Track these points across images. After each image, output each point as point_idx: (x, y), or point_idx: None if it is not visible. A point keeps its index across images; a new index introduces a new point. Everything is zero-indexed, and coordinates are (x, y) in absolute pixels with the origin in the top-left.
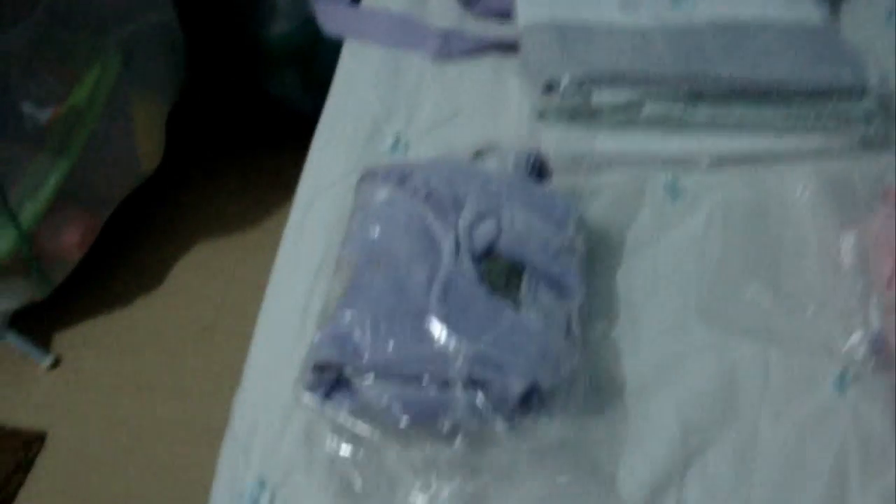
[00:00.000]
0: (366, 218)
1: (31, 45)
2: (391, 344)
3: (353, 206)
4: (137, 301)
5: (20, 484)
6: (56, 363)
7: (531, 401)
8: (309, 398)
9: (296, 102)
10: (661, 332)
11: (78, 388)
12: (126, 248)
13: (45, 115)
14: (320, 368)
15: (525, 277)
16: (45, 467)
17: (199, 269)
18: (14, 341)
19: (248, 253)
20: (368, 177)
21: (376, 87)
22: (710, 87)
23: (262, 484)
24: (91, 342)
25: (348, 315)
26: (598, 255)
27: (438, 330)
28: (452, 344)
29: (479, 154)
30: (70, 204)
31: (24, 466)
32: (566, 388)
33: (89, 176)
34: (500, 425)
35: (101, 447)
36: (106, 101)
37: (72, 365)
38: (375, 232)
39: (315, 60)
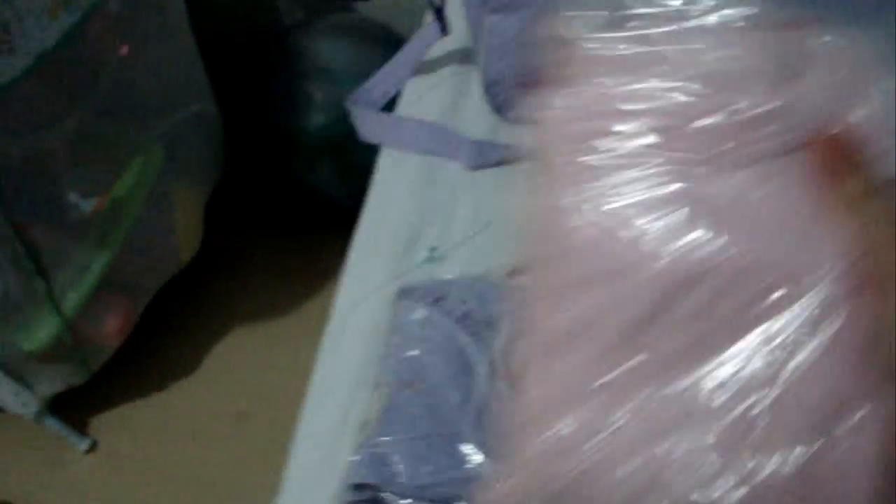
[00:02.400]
0: (402, 338)
1: (77, 138)
2: (427, 467)
3: (390, 324)
4: (173, 386)
5: None
6: (93, 447)
7: None
8: None
9: (331, 191)
10: None
11: (113, 472)
12: (162, 334)
13: (89, 205)
14: (357, 488)
15: None
16: None
17: (233, 356)
18: (53, 425)
19: (283, 340)
20: (405, 294)
21: (412, 197)
22: None
23: None
24: (127, 427)
25: (384, 436)
26: None
27: (473, 454)
28: (487, 468)
29: (513, 272)
30: (111, 292)
31: None
32: None
33: (130, 265)
34: None
35: None
36: (148, 191)
37: (107, 449)
38: (411, 353)
39: (350, 151)
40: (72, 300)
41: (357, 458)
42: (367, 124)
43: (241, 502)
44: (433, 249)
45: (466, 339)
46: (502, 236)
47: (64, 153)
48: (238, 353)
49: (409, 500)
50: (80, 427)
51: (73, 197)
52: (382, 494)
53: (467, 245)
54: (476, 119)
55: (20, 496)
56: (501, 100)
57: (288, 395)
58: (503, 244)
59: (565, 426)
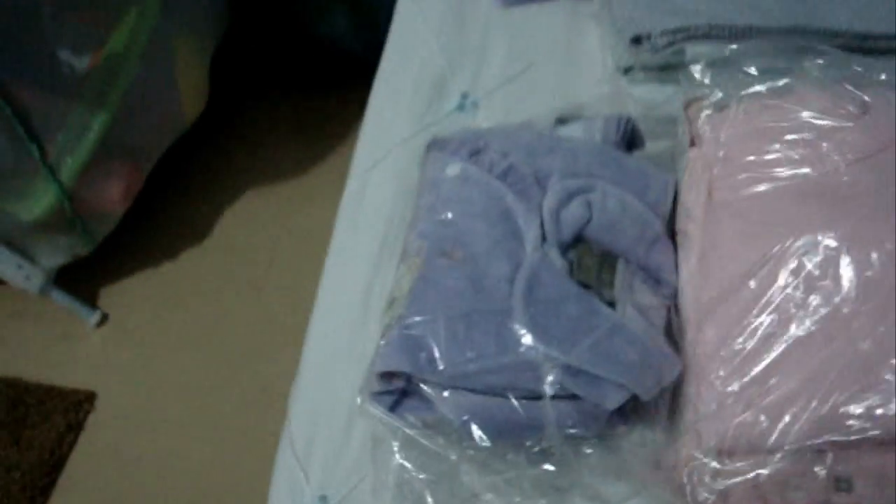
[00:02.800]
0: (436, 198)
1: None
2: (469, 352)
3: (420, 181)
4: (184, 255)
5: (73, 444)
6: (103, 320)
7: (624, 410)
8: (375, 408)
9: (345, 43)
10: None
11: (125, 345)
12: (172, 200)
13: (82, 63)
14: (388, 376)
15: (619, 269)
16: (96, 427)
17: (247, 221)
18: (60, 299)
19: (300, 203)
20: (437, 147)
21: (439, 38)
22: (822, 39)
23: (323, 499)
24: (138, 298)
25: (419, 316)
26: None
27: (524, 335)
28: (540, 352)
29: (561, 120)
30: (111, 156)
31: (75, 427)
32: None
33: (130, 126)
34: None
35: (149, 406)
36: (145, 46)
37: (119, 322)
38: (448, 215)
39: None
40: (69, 166)
41: (386, 342)
42: None
43: (257, 374)
44: (465, 96)
45: (512, 198)
46: (543, 80)
47: (51, 5)
48: (251, 218)
49: (449, 391)
50: (90, 300)
51: (63, 54)
52: (416, 381)
53: (503, 91)
54: None
55: (31, 373)
56: None
57: (305, 262)
58: (544, 89)
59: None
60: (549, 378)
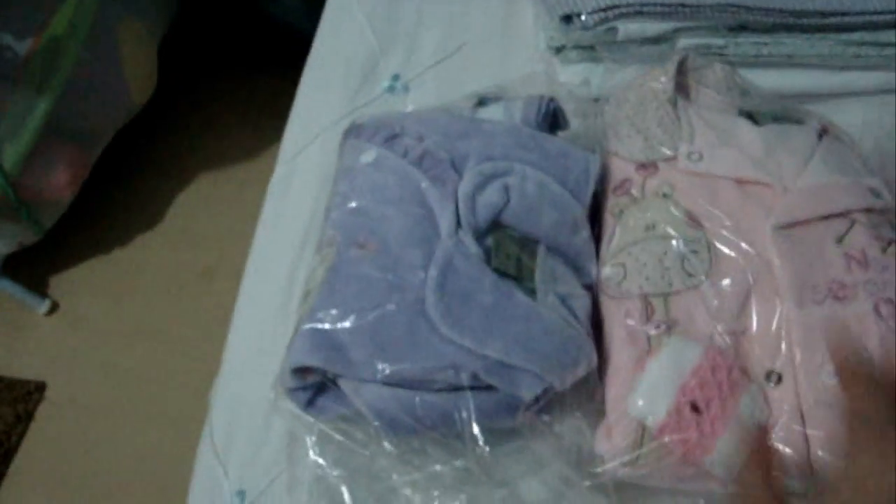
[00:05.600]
0: (350, 186)
1: None
2: (382, 345)
3: (336, 169)
4: (134, 242)
5: (22, 435)
6: (53, 309)
7: (542, 401)
8: (289, 404)
9: (297, 22)
10: None
11: (75, 334)
12: (123, 186)
13: (22, 46)
14: (302, 371)
15: (540, 255)
16: (46, 417)
17: (198, 206)
18: (9, 288)
19: (251, 187)
20: (353, 133)
21: (371, 19)
22: (751, 17)
23: (241, 494)
24: (88, 286)
25: (331, 309)
26: None
27: (438, 326)
28: (455, 344)
29: (481, 102)
30: (57, 141)
31: (24, 417)
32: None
33: (76, 111)
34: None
35: (100, 395)
36: (89, 28)
37: (69, 310)
38: (361, 203)
39: None
40: (11, 153)
41: (299, 337)
42: None
43: (208, 361)
44: (396, 78)
45: (427, 183)
46: (475, 61)
47: None
48: (203, 204)
49: (363, 386)
50: (39, 289)
51: (2, 38)
52: (331, 376)
53: (435, 72)
54: None
55: None
56: None
57: None
58: (476, 70)
59: None
60: (464, 370)
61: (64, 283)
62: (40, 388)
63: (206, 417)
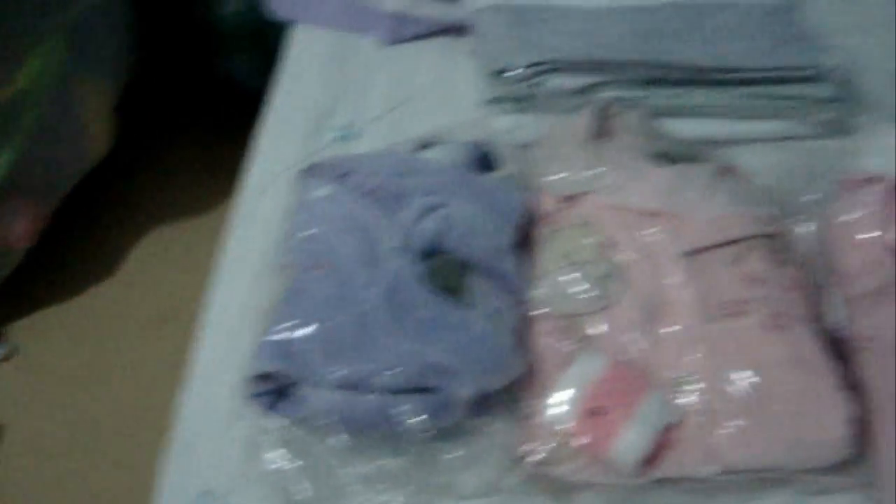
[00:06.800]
0: (306, 217)
1: None
2: (333, 352)
3: (293, 204)
4: (91, 289)
5: None
6: (11, 354)
7: (478, 404)
8: (251, 408)
9: (250, 84)
10: None
11: (34, 378)
12: (79, 235)
13: None
14: (263, 377)
15: (474, 276)
16: (4, 459)
17: (153, 257)
18: None
19: (204, 239)
20: (311, 172)
21: (324, 74)
22: (665, 72)
23: (208, 494)
24: (46, 332)
25: (289, 322)
26: None
27: (384, 336)
28: (398, 351)
29: (424, 145)
30: (16, 193)
31: None
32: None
33: (36, 164)
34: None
35: (58, 439)
36: (51, 85)
37: (27, 355)
38: (316, 232)
39: (269, 41)
40: None
41: (260, 345)
42: (282, 0)
43: (164, 406)
44: (346, 127)
45: (376, 214)
46: (420, 111)
47: None
48: (158, 254)
49: (317, 389)
50: None
51: None
52: (290, 383)
53: (383, 121)
54: None
55: None
56: None
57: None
58: (420, 119)
59: None
60: (406, 372)
61: (22, 329)
62: None
63: (163, 455)
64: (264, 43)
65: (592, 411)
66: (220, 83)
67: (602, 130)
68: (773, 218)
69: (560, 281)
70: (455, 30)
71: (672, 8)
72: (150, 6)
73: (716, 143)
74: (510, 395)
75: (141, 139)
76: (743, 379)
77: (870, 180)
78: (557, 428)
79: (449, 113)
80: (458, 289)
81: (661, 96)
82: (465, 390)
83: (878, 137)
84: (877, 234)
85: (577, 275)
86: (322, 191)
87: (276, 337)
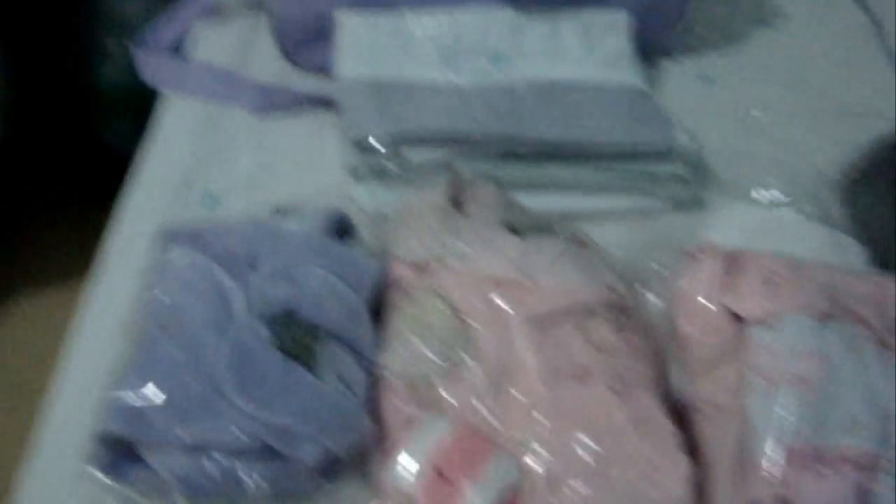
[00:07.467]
0: (157, 279)
1: None
2: (180, 414)
3: (149, 267)
4: None
5: None
6: None
7: (325, 468)
8: (95, 472)
9: (128, 149)
10: None
11: None
12: None
13: None
14: (108, 441)
15: (323, 341)
16: None
17: (20, 323)
18: None
19: (68, 303)
20: (166, 236)
21: (192, 140)
22: (522, 146)
23: None
24: None
25: (135, 382)
26: None
27: (229, 397)
28: (245, 414)
29: (279, 212)
30: None
31: None
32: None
33: None
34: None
35: None
36: None
37: None
38: (165, 294)
39: (151, 107)
40: None
41: (105, 407)
42: (151, 68)
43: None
44: (210, 194)
45: (226, 277)
46: (283, 180)
47: None
48: (26, 320)
49: (160, 453)
50: None
51: None
52: (136, 446)
53: (245, 189)
54: (265, 64)
55: None
56: (290, 45)
57: None
58: (283, 188)
59: None
60: (253, 435)
61: None
62: None
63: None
64: (148, 110)
65: (439, 474)
66: (97, 147)
67: (457, 202)
68: (620, 286)
69: (410, 345)
70: (324, 103)
71: (531, 88)
72: (24, 70)
73: (570, 216)
74: (361, 458)
75: (14, 212)
76: (586, 443)
77: (713, 250)
78: (405, 492)
79: (312, 182)
80: (306, 353)
81: (517, 170)
82: (311, 454)
83: (724, 212)
84: (715, 300)
85: (427, 339)
86: (175, 254)
87: (120, 398)
